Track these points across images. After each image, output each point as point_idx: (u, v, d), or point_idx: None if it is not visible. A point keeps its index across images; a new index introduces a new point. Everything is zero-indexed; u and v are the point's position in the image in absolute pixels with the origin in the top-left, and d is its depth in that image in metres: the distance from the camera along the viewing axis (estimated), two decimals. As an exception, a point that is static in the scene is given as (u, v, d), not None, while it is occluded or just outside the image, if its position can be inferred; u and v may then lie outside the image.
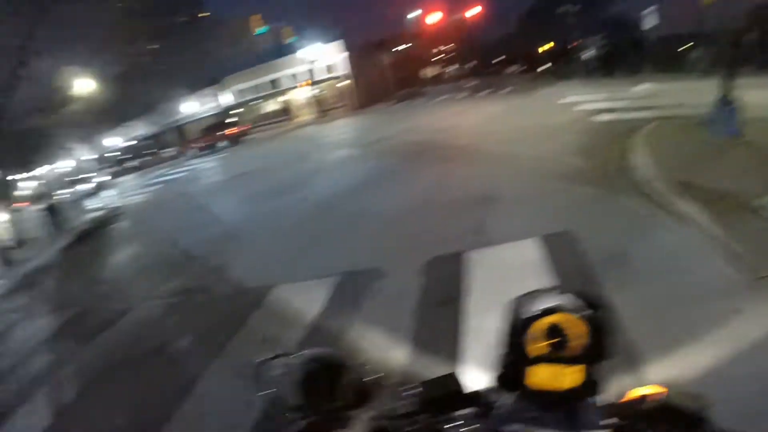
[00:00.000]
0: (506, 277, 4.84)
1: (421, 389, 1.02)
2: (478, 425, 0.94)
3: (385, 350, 3.98)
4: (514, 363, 0.94)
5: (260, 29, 35.00)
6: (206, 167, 24.67)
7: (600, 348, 0.91)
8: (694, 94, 13.00)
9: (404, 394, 1.00)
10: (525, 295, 1.02)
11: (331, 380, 1.00)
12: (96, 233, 14.02)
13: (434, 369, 3.47)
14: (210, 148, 34.60)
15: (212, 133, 36.48)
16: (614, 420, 0.91)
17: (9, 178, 32.91)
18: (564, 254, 5.19)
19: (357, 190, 10.10)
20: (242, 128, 37.60)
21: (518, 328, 0.93)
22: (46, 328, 6.80)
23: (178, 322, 5.74)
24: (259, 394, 1.00)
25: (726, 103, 9.40)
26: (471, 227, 6.40)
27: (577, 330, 0.90)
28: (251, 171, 16.75)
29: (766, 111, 9.80)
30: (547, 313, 0.92)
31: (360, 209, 8.57)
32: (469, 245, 5.75)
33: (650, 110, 13.14)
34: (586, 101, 17.12)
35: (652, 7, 26.99)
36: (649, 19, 27.42)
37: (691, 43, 26.86)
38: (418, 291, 4.95)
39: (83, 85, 35.64)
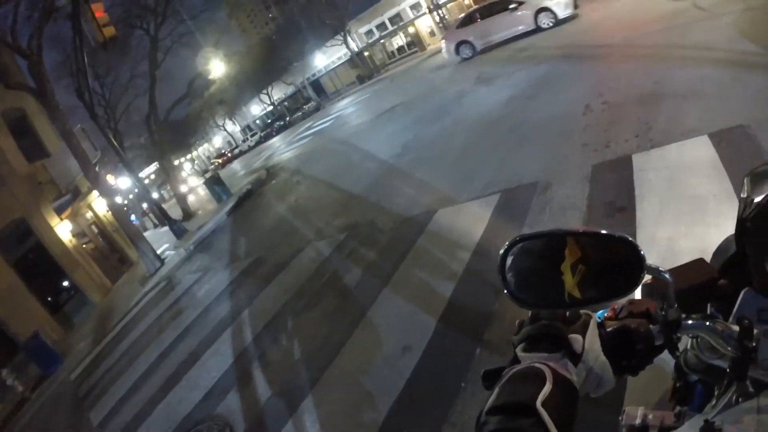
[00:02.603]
0: (678, 180, 4.39)
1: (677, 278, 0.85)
2: (718, 319, 0.79)
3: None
4: (754, 252, 0.82)
5: None
6: (349, 111, 25.09)
7: None
8: None
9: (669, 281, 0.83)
10: (761, 166, 0.92)
11: (608, 266, 0.83)
12: (257, 192, 14.83)
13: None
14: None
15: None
16: None
17: (176, 162, 36.46)
18: (739, 151, 4.56)
19: (509, 104, 9.47)
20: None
21: (764, 211, 0.80)
22: (225, 280, 7.31)
23: (347, 257, 5.91)
24: (507, 278, 0.84)
25: None
26: (636, 129, 5.79)
27: None
28: (398, 104, 16.66)
29: None
30: None
31: (516, 122, 8.08)
32: (635, 148, 5.27)
33: None
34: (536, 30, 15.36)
35: None
36: None
37: None
38: (587, 201, 4.64)
39: (218, 67, 37.93)
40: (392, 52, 50.32)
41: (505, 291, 0.82)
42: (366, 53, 50.19)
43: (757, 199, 0.81)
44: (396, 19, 47.97)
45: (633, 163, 4.92)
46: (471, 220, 5.06)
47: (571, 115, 7.06)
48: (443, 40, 19.80)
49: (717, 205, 3.66)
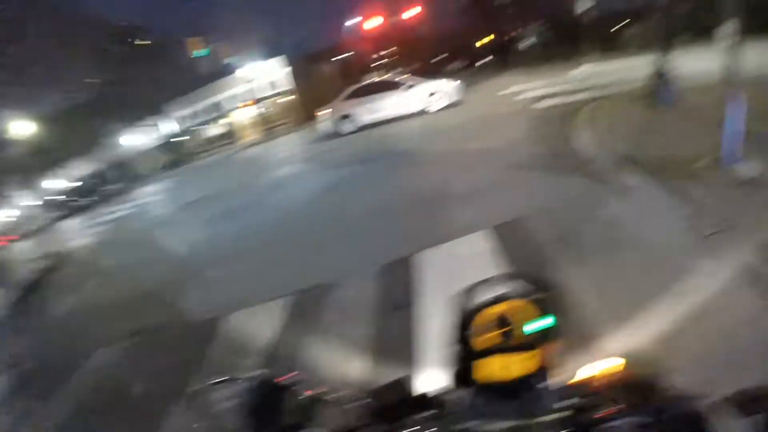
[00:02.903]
0: (459, 273, 4.92)
1: (369, 399, 1.00)
2: (435, 428, 0.91)
3: (342, 364, 4.01)
4: (464, 358, 0.95)
5: (199, 51, 34.48)
6: (155, 199, 24.25)
7: (547, 333, 0.92)
8: (631, 70, 13.58)
9: (352, 406, 0.98)
10: (470, 286, 1.04)
11: (275, 401, 0.98)
12: (44, 282, 13.64)
13: (393, 377, 3.53)
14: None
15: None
16: (572, 400, 0.91)
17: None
18: (515, 242, 5.35)
19: (309, 205, 10.14)
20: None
21: (465, 322, 0.94)
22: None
23: (135, 366, 5.66)
24: (199, 423, 0.98)
25: (662, 75, 9.87)
26: (421, 227, 6.57)
27: (524, 316, 0.92)
28: (205, 197, 16.53)
29: (700, 79, 10.25)
30: (491, 304, 0.94)
31: (313, 223, 8.64)
32: (420, 246, 5.87)
33: (590, 91, 13.61)
34: (528, 90, 17.58)
35: None
36: (583, 2, 28.12)
37: (626, 21, 27.98)
38: (373, 299, 5.02)
39: (21, 128, 34.68)
40: (206, 140, 49.85)
41: None
42: (180, 138, 49.21)
43: (468, 310, 0.95)
44: (216, 107, 47.94)
45: (417, 262, 5.48)
46: (265, 321, 5.17)
47: (362, 218, 7.74)
48: (327, 110, 20.15)
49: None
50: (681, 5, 23.75)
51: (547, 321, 0.92)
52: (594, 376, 1.00)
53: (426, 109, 18.73)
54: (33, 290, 12.99)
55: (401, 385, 1.03)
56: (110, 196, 40.48)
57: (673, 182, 5.78)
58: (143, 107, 46.41)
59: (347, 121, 19.78)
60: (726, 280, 3.74)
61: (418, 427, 0.92)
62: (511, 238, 5.47)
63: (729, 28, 5.79)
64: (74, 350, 6.77)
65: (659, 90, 10.05)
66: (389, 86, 19.60)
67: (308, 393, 1.00)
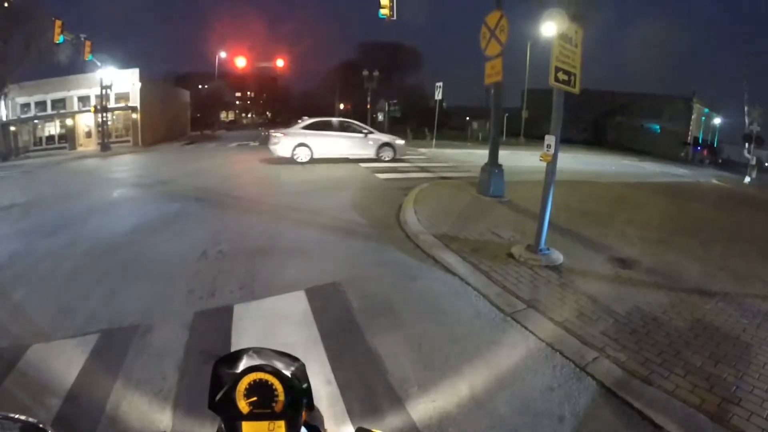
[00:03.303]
0: (271, 329, 5.22)
1: None
2: None
3: (147, 413, 4.01)
4: (226, 420, 1.02)
5: (62, 37, 31.56)
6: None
7: (297, 402, 1.00)
8: (470, 158, 14.94)
9: None
10: (228, 354, 1.13)
11: None
12: None
13: (197, 429, 3.64)
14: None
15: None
16: None
17: None
18: (330, 305, 5.77)
19: (133, 234, 9.84)
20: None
21: (228, 386, 1.01)
22: None
23: None
24: None
25: (492, 168, 11.06)
26: (241, 280, 6.73)
27: (278, 386, 1.00)
28: (24, 203, 14.99)
29: (528, 175, 11.53)
30: (247, 372, 1.01)
31: (134, 255, 8.40)
32: (237, 299, 6.09)
33: (429, 171, 14.74)
34: (374, 159, 18.47)
35: (440, 83, 30.12)
36: (439, 92, 30.46)
37: (470, 117, 31.48)
38: (184, 347, 5.09)
39: None
40: (41, 138, 45.65)
41: None
42: (13, 128, 44.61)
43: (226, 380, 1.02)
44: (59, 104, 44.26)
45: (233, 313, 5.69)
46: (66, 360, 4.97)
47: (186, 259, 7.82)
48: (280, 135, 20.07)
49: (303, 351, 4.45)
50: (521, 112, 26.98)
51: (300, 393, 1.02)
52: None
53: (380, 157, 19.89)
54: None
55: None
56: None
57: (487, 263, 6.53)
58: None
59: (303, 149, 20.06)
60: (527, 351, 4.33)
61: None
62: (324, 300, 5.86)
63: (551, 138, 6.75)
64: None
65: (490, 181, 11.23)
66: (348, 128, 20.75)
67: None
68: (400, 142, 20.67)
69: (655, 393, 4.02)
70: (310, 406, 1.05)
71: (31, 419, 1.05)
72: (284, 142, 20.45)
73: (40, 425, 1.06)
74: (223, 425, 1.05)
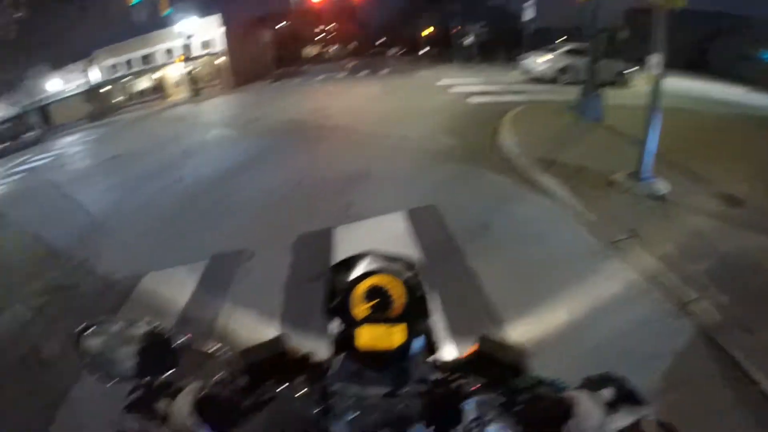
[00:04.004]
0: (373, 248, 5.19)
1: (246, 355, 1.05)
2: (305, 389, 0.98)
3: (254, 330, 4.16)
4: (343, 326, 1.00)
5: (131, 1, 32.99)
6: (72, 151, 23.35)
7: (419, 307, 0.99)
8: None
9: (227, 357, 1.06)
10: (343, 260, 1.11)
11: (161, 350, 1.04)
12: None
13: (302, 345, 3.76)
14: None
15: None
16: (438, 374, 0.99)
17: None
18: (429, 226, 5.64)
19: (231, 171, 10.15)
20: None
21: (342, 293, 0.99)
22: None
23: (47, 326, 5.63)
24: (84, 364, 1.00)
25: (591, 90, 10.41)
26: (342, 204, 6.77)
27: (396, 290, 0.97)
28: (123, 154, 16.10)
29: (625, 100, 10.83)
30: (366, 276, 0.99)
31: (233, 190, 8.69)
32: (338, 221, 6.12)
33: (522, 95, 14.04)
34: (463, 84, 17.93)
35: (531, 1, 28.42)
36: (528, 12, 28.82)
37: (565, 37, 29.40)
38: (289, 269, 5.21)
39: None
40: (134, 93, 47.84)
41: (87, 369, 0.99)
42: (106, 89, 47.04)
43: (342, 285, 1.00)
44: (146, 60, 45.95)
45: (334, 235, 5.76)
46: (178, 285, 5.28)
47: (285, 188, 7.94)
48: (543, 58, 19.18)
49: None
50: (621, 32, 24.88)
51: (418, 297, 0.99)
52: (462, 355, 1.06)
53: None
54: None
55: (278, 343, 1.08)
56: (26, 143, 38.42)
57: (587, 189, 6.22)
58: (70, 50, 43.74)
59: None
60: (626, 283, 4.15)
61: (290, 384, 1.01)
62: (424, 222, 5.78)
63: (656, 59, 6.19)
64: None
65: (588, 104, 10.60)
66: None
67: (190, 347, 1.08)
68: (634, 68, 19.14)
69: (755, 344, 3.66)
70: (428, 312, 1.03)
71: (155, 323, 1.07)
72: (545, 64, 19.57)
73: (163, 330, 1.07)
74: (336, 333, 1.04)
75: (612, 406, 0.90)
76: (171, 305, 4.85)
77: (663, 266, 4.59)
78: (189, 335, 1.13)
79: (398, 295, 0.98)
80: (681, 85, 16.81)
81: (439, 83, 19.43)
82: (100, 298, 5.68)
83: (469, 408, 0.96)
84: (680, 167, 7.23)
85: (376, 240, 5.56)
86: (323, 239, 5.77)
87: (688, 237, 5.21)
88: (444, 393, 0.96)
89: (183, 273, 5.59)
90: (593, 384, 0.97)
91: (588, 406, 0.90)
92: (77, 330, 1.02)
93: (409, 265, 1.10)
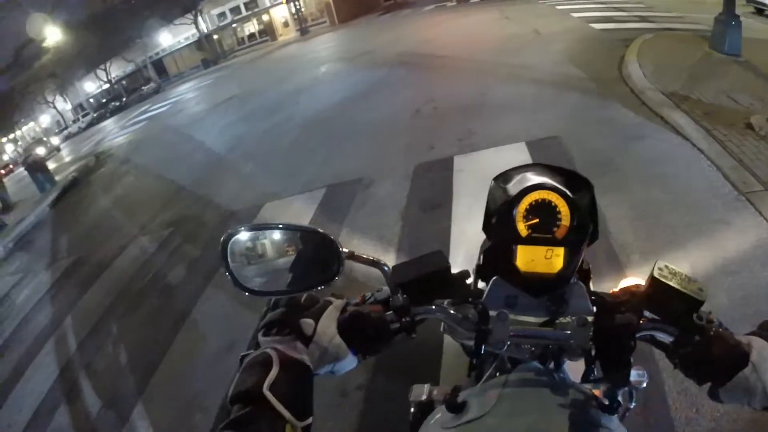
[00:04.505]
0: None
1: (402, 269, 0.98)
2: (462, 312, 0.92)
3: (373, 255, 4.10)
4: (500, 244, 0.93)
5: None
6: (189, 97, 24.40)
7: (583, 228, 0.89)
8: (697, 7, 12.71)
9: (384, 271, 0.95)
10: (507, 171, 1.02)
11: (316, 257, 0.95)
12: (83, 181, 14.09)
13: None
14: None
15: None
16: (602, 306, 0.90)
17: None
18: (551, 158, 5.20)
19: (345, 103, 10.08)
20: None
21: (503, 207, 0.91)
22: (46, 283, 6.97)
23: (171, 254, 5.89)
24: (232, 269, 0.91)
25: (729, 20, 9.18)
26: (461, 134, 6.44)
27: (563, 210, 0.89)
28: (240, 94, 16.64)
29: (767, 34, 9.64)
30: (529, 190, 0.90)
31: (349, 121, 8.61)
32: (456, 151, 5.85)
33: (650, 22, 12.81)
34: (585, 9, 16.67)
35: None
36: None
37: None
38: (406, 198, 5.07)
39: (52, 34, 34.68)
40: (242, 38, 49.36)
41: (230, 280, 0.90)
42: (215, 36, 48.77)
43: (503, 200, 0.90)
44: (251, 4, 47.04)
45: (454, 164, 5.46)
46: (296, 213, 5.30)
47: (401, 118, 7.68)
48: None
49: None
50: None
51: (584, 217, 0.89)
52: (626, 288, 0.95)
53: None
54: (74, 189, 13.47)
55: (434, 260, 0.99)
56: (147, 94, 40.80)
57: (722, 131, 5.53)
58: (179, 4, 45.68)
59: None
60: (759, 238, 3.62)
61: (442, 306, 0.93)
62: (546, 153, 5.38)
63: None
64: (115, 241, 7.13)
65: (725, 35, 9.41)
66: None
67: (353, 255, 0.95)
68: None
69: None
70: (595, 236, 0.91)
71: (319, 229, 0.96)
72: None
73: (326, 234, 0.94)
74: (488, 253, 0.97)
75: None
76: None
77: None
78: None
79: (564, 214, 0.88)
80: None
81: (561, 7, 18.18)
82: (222, 228, 5.67)
83: (629, 343, 0.84)
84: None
85: (496, 169, 5.21)
86: (443, 168, 5.51)
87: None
88: (612, 325, 0.85)
89: (301, 202, 5.60)
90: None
91: (766, 355, 0.77)
92: (226, 234, 0.90)
93: (582, 183, 0.96)
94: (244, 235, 0.93)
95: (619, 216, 4.03)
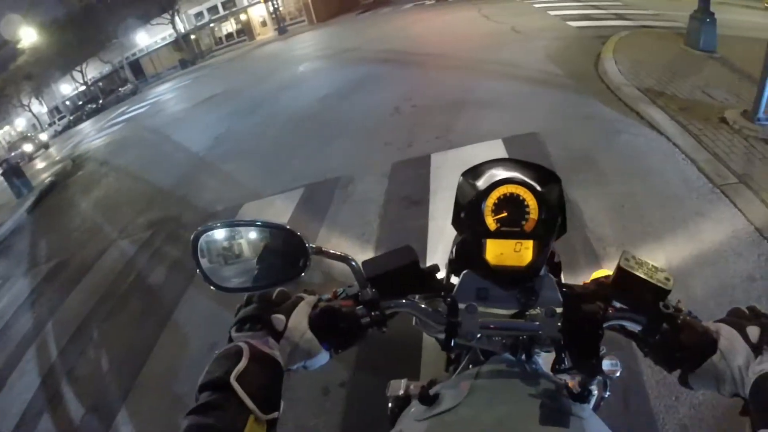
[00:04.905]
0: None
1: (372, 264, 0.99)
2: (432, 305, 0.95)
3: (351, 253, 4.16)
4: (470, 238, 0.94)
5: None
6: (167, 98, 24.27)
7: (551, 222, 0.90)
8: (674, 5, 12.91)
9: (352, 266, 0.95)
10: (475, 166, 1.02)
11: (285, 253, 0.96)
12: (61, 185, 13.98)
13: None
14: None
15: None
16: (570, 296, 0.92)
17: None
18: (529, 155, 5.31)
19: (322, 102, 10.16)
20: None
21: (475, 200, 0.92)
22: (26, 288, 6.93)
23: (152, 256, 5.91)
24: (202, 265, 0.93)
25: (704, 17, 9.37)
26: (438, 131, 6.58)
27: (531, 203, 0.90)
28: (218, 94, 16.61)
29: (742, 31, 9.84)
30: (498, 184, 0.91)
31: (329, 119, 8.70)
32: (434, 148, 5.98)
33: (627, 19, 13.02)
34: (562, 7, 16.85)
35: None
36: None
37: None
38: (384, 195, 5.18)
39: (28, 36, 34.29)
40: (220, 38, 49.15)
41: (201, 276, 0.92)
42: (192, 36, 48.50)
43: (472, 194, 0.92)
44: (229, 4, 46.85)
45: (431, 162, 5.60)
46: (275, 213, 5.37)
47: (380, 117, 7.84)
48: None
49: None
50: None
51: (552, 210, 0.90)
52: (596, 279, 0.98)
53: None
54: (52, 194, 13.36)
55: (404, 255, 1.00)
56: (124, 96, 40.44)
57: (697, 125, 5.67)
58: (156, 4, 45.32)
59: None
60: (733, 232, 3.73)
61: (413, 299, 0.96)
62: (523, 150, 5.49)
63: None
64: (95, 245, 7.11)
65: (700, 32, 9.61)
66: None
67: (321, 251, 0.95)
68: None
69: None
70: (563, 229, 0.93)
71: (286, 226, 0.97)
72: None
73: (293, 230, 0.96)
74: (459, 247, 1.01)
75: (756, 347, 0.78)
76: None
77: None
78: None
79: (532, 208, 0.90)
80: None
81: (538, 5, 18.37)
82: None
83: (598, 333, 0.88)
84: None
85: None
86: (420, 165, 5.63)
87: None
88: (579, 316, 0.89)
89: (280, 201, 5.67)
90: (740, 318, 0.86)
91: (733, 342, 0.80)
92: (197, 231, 0.92)
93: (550, 177, 0.96)
94: (214, 233, 0.95)
95: (596, 209, 4.15)
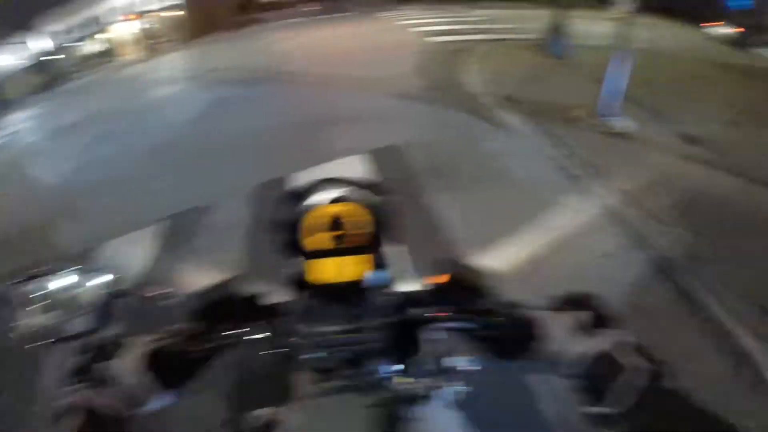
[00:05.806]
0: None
1: (198, 298, 0.98)
2: (265, 331, 0.92)
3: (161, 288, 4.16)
4: (307, 258, 0.96)
5: None
6: (25, 126, 22.97)
7: (386, 236, 0.94)
8: (531, 20, 13.93)
9: (176, 302, 0.99)
10: (300, 187, 1.04)
11: (101, 301, 0.96)
12: None
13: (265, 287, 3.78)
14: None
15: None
16: (401, 305, 0.94)
17: None
18: (390, 167, 5.60)
19: (186, 127, 10.07)
20: None
21: (294, 221, 0.94)
22: None
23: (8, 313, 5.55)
24: (18, 322, 0.91)
25: (559, 28, 10.34)
26: (304, 149, 6.79)
27: (359, 219, 0.92)
28: (76, 123, 15.56)
29: (593, 40, 10.84)
30: (324, 204, 0.94)
31: (196, 142, 8.63)
32: (297, 167, 6.10)
33: (487, 33, 13.88)
34: (425, 24, 17.69)
35: None
36: None
37: None
38: (249, 218, 5.30)
39: None
40: (85, 57, 46.93)
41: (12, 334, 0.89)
42: (54, 57, 46.01)
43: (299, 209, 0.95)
44: (93, 22, 44.82)
45: (293, 182, 5.65)
46: (134, 251, 5.28)
47: (245, 140, 7.99)
48: None
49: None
50: None
51: (381, 226, 0.94)
52: (426, 283, 1.00)
53: None
54: None
55: (229, 285, 1.02)
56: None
57: (549, 126, 6.23)
58: (9, 22, 42.54)
59: None
60: (588, 217, 4.18)
61: (248, 329, 0.93)
62: (385, 162, 5.76)
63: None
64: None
65: (551, 42, 10.53)
66: None
67: (131, 293, 1.00)
68: None
69: (710, 278, 3.73)
70: (400, 239, 0.98)
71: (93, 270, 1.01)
72: None
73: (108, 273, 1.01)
74: (292, 270, 1.00)
75: (584, 330, 0.84)
76: (132, 271, 4.84)
77: (625, 201, 4.66)
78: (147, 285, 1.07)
79: (362, 223, 0.94)
80: (656, 28, 16.66)
81: (402, 23, 19.21)
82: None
83: (432, 336, 0.93)
84: (646, 106, 7.34)
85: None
86: (283, 186, 5.70)
87: (649, 173, 5.31)
88: (409, 321, 0.92)
89: (140, 238, 5.58)
90: (563, 304, 0.92)
91: (550, 328, 0.86)
92: (12, 282, 0.92)
93: (378, 189, 1.03)
94: (28, 283, 0.93)
95: (459, 211, 4.44)
